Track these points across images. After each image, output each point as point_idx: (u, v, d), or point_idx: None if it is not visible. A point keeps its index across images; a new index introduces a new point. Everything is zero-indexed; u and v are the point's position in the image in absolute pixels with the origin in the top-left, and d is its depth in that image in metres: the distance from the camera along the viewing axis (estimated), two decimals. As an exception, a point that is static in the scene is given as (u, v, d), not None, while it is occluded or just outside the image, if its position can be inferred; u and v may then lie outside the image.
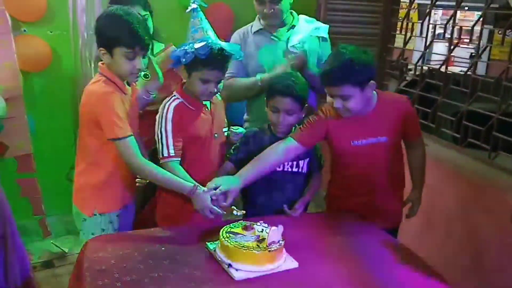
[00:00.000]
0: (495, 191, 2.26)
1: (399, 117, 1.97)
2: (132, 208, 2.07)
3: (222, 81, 1.95)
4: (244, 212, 1.88)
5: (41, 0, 2.93)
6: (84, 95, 1.83)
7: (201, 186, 1.81)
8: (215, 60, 1.84)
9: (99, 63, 1.85)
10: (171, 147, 1.91)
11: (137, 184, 2.09)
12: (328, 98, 1.91)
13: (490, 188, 2.29)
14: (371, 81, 1.86)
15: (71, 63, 3.12)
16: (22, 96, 2.82)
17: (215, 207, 1.78)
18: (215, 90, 1.93)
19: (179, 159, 1.93)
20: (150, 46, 1.82)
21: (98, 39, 1.81)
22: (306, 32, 2.38)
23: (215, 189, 1.80)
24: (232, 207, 1.85)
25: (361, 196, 2.04)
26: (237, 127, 2.19)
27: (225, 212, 1.81)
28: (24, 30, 2.99)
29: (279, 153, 1.95)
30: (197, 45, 1.82)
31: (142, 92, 2.22)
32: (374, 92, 1.95)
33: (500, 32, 2.73)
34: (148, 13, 2.28)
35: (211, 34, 1.89)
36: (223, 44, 1.88)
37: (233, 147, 2.09)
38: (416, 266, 1.67)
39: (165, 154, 1.90)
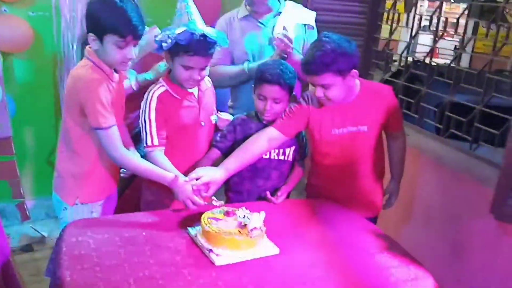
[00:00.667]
0: (475, 181, 2.28)
1: (381, 107, 1.98)
2: (115, 197, 2.04)
3: (207, 68, 1.91)
4: (223, 202, 1.86)
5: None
6: (69, 79, 1.77)
7: (182, 176, 1.80)
8: (196, 46, 1.80)
9: (87, 47, 1.77)
10: (154, 136, 1.88)
11: (121, 175, 2.06)
12: (311, 87, 1.91)
13: (470, 179, 2.32)
14: (353, 70, 1.85)
15: (53, 45, 3.06)
16: (1, 78, 2.76)
17: (196, 198, 1.76)
18: (199, 78, 1.88)
19: (163, 148, 1.91)
20: (143, 29, 1.75)
21: (88, 24, 1.73)
22: (292, 19, 2.36)
23: (197, 179, 1.78)
24: (212, 197, 1.83)
25: (341, 185, 2.05)
26: (224, 113, 2.17)
27: (206, 203, 1.80)
28: (5, 10, 2.91)
29: (261, 144, 1.94)
30: (178, 31, 1.78)
31: (134, 84, 2.19)
32: (357, 80, 1.94)
33: (484, 26, 2.74)
34: None
35: (197, 18, 1.85)
36: (206, 30, 1.83)
37: (219, 134, 2.07)
38: (396, 253, 1.68)
39: (149, 143, 1.88)
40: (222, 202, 1.85)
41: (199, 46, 1.81)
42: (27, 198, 3.11)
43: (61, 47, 3.03)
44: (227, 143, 2.04)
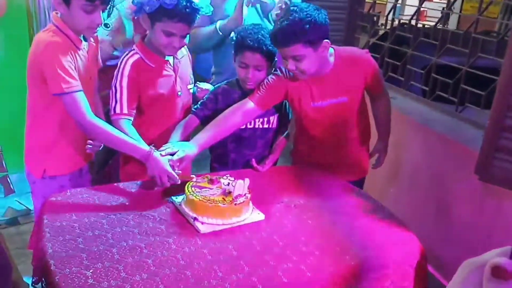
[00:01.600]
0: (461, 143, 2.28)
1: (359, 74, 1.93)
2: (87, 173, 1.97)
3: (188, 35, 1.84)
4: (194, 177, 1.76)
5: None
6: (32, 44, 1.69)
7: (156, 150, 1.71)
8: (182, 12, 1.72)
9: (53, 12, 1.70)
10: (124, 104, 1.81)
11: (87, 150, 1.89)
12: (284, 63, 1.84)
13: (456, 141, 2.32)
14: (325, 41, 1.78)
15: (28, 11, 2.94)
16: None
17: (173, 173, 1.68)
18: (179, 45, 1.81)
19: (131, 118, 1.83)
20: None
21: None
22: None
23: (172, 154, 1.71)
24: (192, 175, 1.75)
25: (326, 151, 2.03)
26: (203, 83, 2.12)
27: (179, 181, 1.70)
28: (-25, -24, 2.79)
29: (237, 117, 1.89)
30: None
31: (106, 46, 2.11)
32: (332, 50, 1.88)
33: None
34: None
35: None
36: None
37: (199, 102, 2.01)
38: (381, 216, 1.69)
39: (118, 111, 1.81)
40: (193, 177, 1.76)
41: (185, 12, 1.73)
42: (11, 171, 3.05)
43: (36, 13, 2.92)
44: (206, 111, 1.97)
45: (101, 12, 1.66)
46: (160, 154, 1.70)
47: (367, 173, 2.18)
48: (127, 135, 1.75)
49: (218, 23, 2.21)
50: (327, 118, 1.96)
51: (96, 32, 1.74)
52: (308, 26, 1.71)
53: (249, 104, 1.90)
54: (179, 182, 1.69)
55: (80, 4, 1.61)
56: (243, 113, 1.90)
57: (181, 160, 1.73)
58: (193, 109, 2.00)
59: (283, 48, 1.78)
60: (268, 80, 1.92)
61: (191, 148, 1.79)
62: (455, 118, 2.47)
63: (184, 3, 1.71)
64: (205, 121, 1.96)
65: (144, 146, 1.72)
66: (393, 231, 1.61)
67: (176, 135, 1.88)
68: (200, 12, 1.80)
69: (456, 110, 2.48)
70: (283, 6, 2.09)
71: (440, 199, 2.40)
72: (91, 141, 1.86)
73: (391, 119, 2.14)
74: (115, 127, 1.76)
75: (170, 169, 1.68)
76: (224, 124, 1.88)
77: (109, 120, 1.82)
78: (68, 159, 1.84)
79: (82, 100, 1.66)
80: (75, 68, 1.66)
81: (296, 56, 1.77)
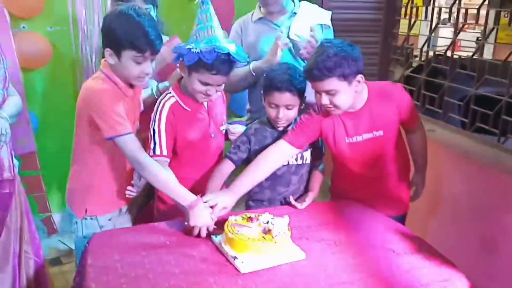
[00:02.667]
0: (504, 175, 2.21)
1: (393, 107, 1.90)
2: (126, 212, 2.00)
3: (223, 84, 1.86)
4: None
5: (39, -5, 2.90)
6: (81, 91, 1.76)
7: (204, 203, 1.70)
8: (220, 65, 1.75)
9: (102, 60, 1.76)
10: (164, 146, 1.84)
11: (126, 195, 1.94)
12: (316, 96, 1.83)
13: (499, 172, 2.25)
14: (359, 75, 1.78)
15: (72, 59, 3.09)
16: (23, 94, 2.79)
17: (213, 225, 1.68)
18: (214, 94, 1.84)
19: (169, 160, 1.87)
20: (161, 44, 1.72)
21: (105, 39, 1.70)
22: (308, 20, 2.32)
23: (212, 207, 1.72)
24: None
25: (365, 186, 2.00)
26: (235, 125, 2.14)
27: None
28: (24, 27, 2.96)
29: (273, 160, 1.90)
30: (203, 48, 1.71)
31: (156, 91, 2.18)
32: (365, 85, 1.88)
33: (506, 15, 2.67)
34: (150, 6, 2.19)
35: (219, 33, 1.78)
36: (230, 47, 1.76)
37: (232, 146, 2.02)
38: (426, 253, 1.63)
39: (157, 153, 1.83)
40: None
41: (222, 66, 1.76)
42: (55, 211, 3.14)
43: (79, 60, 3.06)
44: (241, 154, 1.97)
45: (150, 62, 1.71)
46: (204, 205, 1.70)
47: (408, 208, 2.13)
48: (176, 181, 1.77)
49: (252, 64, 2.24)
50: (363, 154, 1.94)
51: (144, 81, 1.78)
52: (342, 60, 1.73)
53: (284, 145, 1.90)
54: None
55: (131, 55, 1.66)
56: (278, 155, 1.90)
57: (216, 209, 1.73)
58: (227, 153, 2.00)
59: (317, 83, 1.78)
60: (302, 119, 1.93)
61: (228, 199, 1.78)
62: (496, 149, 2.41)
63: (223, 57, 1.73)
64: (240, 164, 1.98)
65: (192, 195, 1.72)
66: (439, 268, 1.55)
67: (214, 183, 1.88)
68: (237, 65, 1.83)
69: (498, 141, 2.42)
70: (312, 43, 2.11)
71: (484, 233, 2.32)
72: (130, 187, 1.91)
73: (427, 152, 2.10)
74: None
75: (210, 222, 1.68)
76: (261, 169, 1.89)
77: None
78: (108, 200, 1.89)
79: (133, 141, 1.70)
80: (124, 109, 1.72)
81: (330, 91, 1.77)
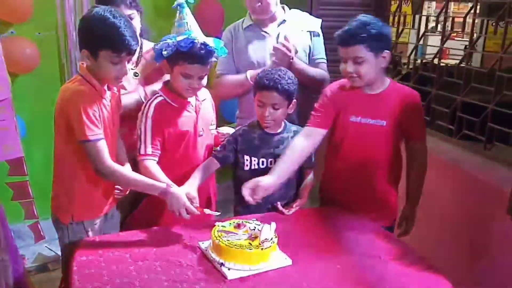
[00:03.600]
0: (491, 182, 2.23)
1: (404, 107, 1.95)
2: (115, 216, 2.00)
3: (206, 77, 1.91)
4: (219, 213, 1.83)
5: (27, 0, 2.88)
6: (59, 94, 1.75)
7: (175, 185, 1.77)
8: (197, 54, 1.81)
9: (79, 63, 1.79)
10: (148, 145, 1.89)
11: (116, 196, 1.97)
12: (341, 65, 1.92)
13: (486, 179, 2.27)
14: (386, 51, 1.87)
15: (60, 64, 3.08)
16: (10, 99, 2.77)
17: (191, 206, 1.73)
18: (198, 86, 1.90)
19: (156, 158, 1.91)
20: (139, 47, 1.75)
21: (81, 40, 1.72)
22: (297, 27, 2.35)
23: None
24: (205, 209, 1.79)
25: (354, 188, 2.01)
26: (224, 127, 2.16)
27: (199, 212, 1.75)
28: (12, 32, 2.95)
29: (304, 141, 1.96)
30: (179, 38, 1.80)
31: (144, 96, 2.18)
32: (388, 79, 1.98)
33: (493, 23, 2.70)
34: (134, 11, 2.20)
35: (195, 29, 1.87)
36: (206, 38, 1.85)
37: (220, 145, 2.07)
38: (412, 260, 1.64)
39: (142, 152, 1.89)
40: (217, 213, 1.83)
41: (199, 55, 1.82)
42: (42, 217, 3.10)
43: (67, 65, 3.05)
44: (225, 153, 2.02)
45: (126, 63, 1.73)
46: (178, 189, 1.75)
47: (396, 218, 2.13)
48: (148, 174, 1.82)
49: (249, 73, 2.26)
50: (359, 139, 1.97)
51: (121, 81, 1.81)
52: (373, 31, 1.83)
53: (309, 129, 1.99)
54: (198, 213, 1.74)
55: (108, 56, 1.67)
56: (306, 136, 1.97)
57: (259, 189, 1.80)
58: (213, 152, 2.05)
59: (346, 48, 1.87)
60: (316, 105, 2.03)
61: (271, 180, 1.85)
62: (483, 157, 2.43)
63: (199, 46, 1.81)
64: (224, 163, 2.01)
65: (161, 184, 1.76)
66: (425, 275, 1.56)
67: (195, 177, 1.91)
68: (214, 54, 1.88)
69: (485, 148, 2.44)
70: (282, 50, 2.18)
71: (471, 241, 2.33)
72: (118, 187, 1.92)
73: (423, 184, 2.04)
74: (141, 167, 1.86)
75: (188, 203, 1.73)
76: (296, 152, 1.94)
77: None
78: (94, 205, 1.87)
79: (102, 147, 1.71)
80: (99, 116, 1.72)
81: (356, 58, 1.85)
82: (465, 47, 2.92)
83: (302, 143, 1.96)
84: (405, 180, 2.08)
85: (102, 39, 1.65)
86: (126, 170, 1.80)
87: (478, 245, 2.29)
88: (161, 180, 1.81)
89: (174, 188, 1.75)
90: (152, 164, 1.89)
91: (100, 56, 1.68)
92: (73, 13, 2.96)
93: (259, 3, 2.24)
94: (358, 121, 1.96)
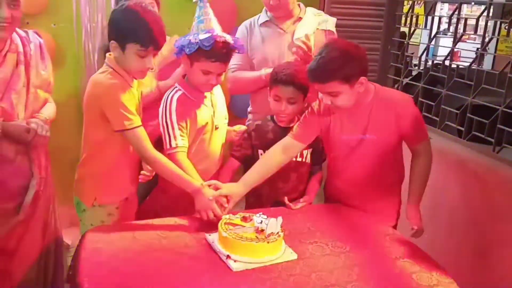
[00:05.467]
0: (500, 184, 2.23)
1: (395, 116, 1.88)
2: (134, 201, 2.06)
3: (224, 73, 1.94)
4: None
5: (43, -8, 2.92)
6: (89, 85, 1.81)
7: (208, 188, 1.81)
8: (218, 52, 1.83)
9: (107, 54, 1.82)
10: (178, 137, 1.90)
11: (140, 179, 2.07)
12: (320, 94, 1.88)
13: (494, 181, 2.26)
14: (362, 77, 1.79)
15: (74, 56, 3.11)
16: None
17: (217, 209, 1.77)
18: (216, 82, 1.92)
19: (186, 150, 1.92)
20: (164, 40, 1.79)
21: (111, 31, 1.78)
22: (312, 25, 2.35)
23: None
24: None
25: (353, 193, 2.02)
26: (238, 125, 2.17)
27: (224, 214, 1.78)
28: (27, 23, 2.98)
29: (280, 153, 1.96)
30: (202, 36, 1.81)
31: (155, 88, 2.22)
32: (372, 87, 1.90)
33: (506, 26, 2.69)
34: (153, 1, 2.25)
35: (216, 26, 1.88)
36: (227, 37, 1.86)
37: (236, 144, 2.10)
38: (417, 258, 1.65)
39: (173, 145, 1.90)
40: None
41: (221, 53, 1.84)
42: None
43: (82, 57, 3.08)
44: (243, 151, 2.07)
45: (152, 57, 1.77)
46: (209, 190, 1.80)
47: (397, 221, 2.12)
48: (182, 170, 1.85)
49: (264, 71, 2.27)
50: (353, 155, 1.96)
51: (145, 75, 1.85)
52: (345, 63, 1.74)
53: (289, 140, 1.96)
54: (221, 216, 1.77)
55: (135, 49, 1.72)
56: (284, 149, 1.95)
57: (227, 198, 1.82)
58: (231, 152, 2.08)
59: (319, 84, 1.82)
60: (304, 115, 1.99)
61: (235, 187, 1.87)
62: (492, 158, 2.43)
63: (221, 44, 1.82)
64: (244, 161, 2.04)
65: (196, 182, 1.82)
66: (430, 273, 1.56)
67: (221, 181, 1.94)
68: (235, 52, 1.91)
69: (494, 150, 2.44)
70: (303, 49, 2.16)
71: (479, 242, 2.33)
72: (145, 171, 2.03)
73: (426, 184, 1.99)
74: (172, 161, 1.86)
75: (215, 206, 1.77)
76: (270, 162, 1.96)
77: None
78: (118, 189, 1.93)
79: (143, 134, 1.79)
80: (133, 102, 1.79)
81: (332, 92, 1.80)
82: (477, 50, 2.91)
83: (278, 157, 1.95)
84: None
85: (130, 33, 1.71)
86: (166, 160, 1.83)
87: (486, 246, 2.29)
88: (191, 175, 1.85)
89: (205, 190, 1.79)
90: (184, 158, 1.90)
91: (127, 49, 1.73)
92: (88, 5, 2.98)
93: (277, 1, 2.24)
94: (349, 139, 1.94)
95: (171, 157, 1.88)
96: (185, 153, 1.91)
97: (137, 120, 1.78)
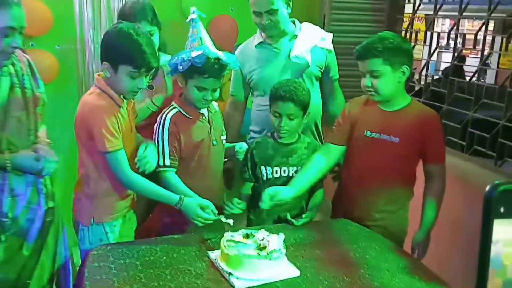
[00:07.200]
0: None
1: (419, 125, 1.92)
2: (132, 218, 2.06)
3: (219, 89, 1.97)
4: (232, 221, 1.84)
5: (47, 14, 2.97)
6: (78, 106, 1.83)
7: (186, 198, 1.82)
8: (211, 68, 1.87)
9: (96, 75, 1.87)
10: (167, 157, 1.93)
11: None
12: (361, 80, 1.93)
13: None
14: (405, 66, 1.86)
15: (78, 77, 3.15)
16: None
17: (204, 214, 1.79)
18: (211, 98, 1.95)
19: (175, 169, 1.95)
20: (157, 62, 1.83)
21: (103, 53, 1.81)
22: (310, 42, 2.36)
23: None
24: (221, 217, 1.83)
25: (366, 201, 2.02)
26: (240, 143, 2.19)
27: (212, 218, 1.81)
28: (32, 45, 3.03)
29: (322, 161, 2.02)
30: (194, 54, 1.85)
31: (148, 103, 2.25)
32: (409, 97, 1.97)
33: (509, 40, 2.72)
34: (155, 27, 2.26)
35: (208, 43, 1.92)
36: (219, 53, 1.90)
37: (242, 165, 2.13)
38: (421, 274, 1.64)
39: (161, 163, 1.93)
40: (231, 221, 1.84)
41: (213, 69, 1.88)
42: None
43: (85, 77, 3.12)
44: (251, 171, 2.10)
45: (144, 77, 1.80)
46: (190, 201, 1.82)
47: (406, 234, 2.11)
48: (169, 185, 1.88)
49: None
50: (373, 153, 1.97)
51: (136, 94, 1.89)
52: (390, 46, 1.83)
53: (327, 145, 2.08)
54: (212, 219, 1.81)
55: (127, 70, 1.76)
56: (325, 155, 2.04)
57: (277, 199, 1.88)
58: (242, 175, 2.14)
59: (362, 61, 1.89)
60: (337, 120, 2.10)
61: (288, 191, 1.91)
62: (494, 172, 2.43)
63: (212, 61, 1.86)
64: (255, 178, 2.10)
65: (175, 196, 1.83)
66: (433, 289, 1.56)
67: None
68: (228, 68, 1.95)
69: (495, 164, 2.44)
70: None
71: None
72: None
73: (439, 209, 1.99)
74: (161, 178, 1.90)
75: (201, 212, 1.78)
76: (314, 168, 2.01)
77: None
78: (115, 207, 1.94)
79: (121, 157, 1.80)
80: (118, 127, 1.80)
81: (373, 72, 1.86)
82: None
83: (321, 162, 2.02)
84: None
85: (123, 54, 1.74)
86: (143, 180, 1.85)
87: (489, 262, 2.27)
88: (181, 190, 1.88)
89: (186, 199, 1.81)
90: (171, 175, 1.93)
91: (120, 70, 1.76)
92: (91, 27, 3.04)
93: (269, 21, 2.24)
94: (371, 136, 1.97)
95: (160, 175, 1.93)
96: (173, 172, 1.94)
97: (118, 143, 1.79)
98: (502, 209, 0.63)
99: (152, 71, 1.84)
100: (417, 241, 1.97)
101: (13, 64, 1.74)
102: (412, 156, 1.98)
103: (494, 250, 0.65)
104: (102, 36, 3.01)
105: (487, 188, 0.75)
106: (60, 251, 1.93)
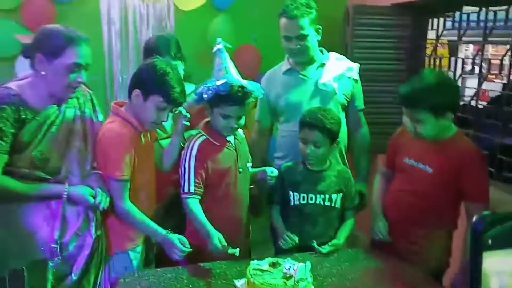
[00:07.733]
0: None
1: (457, 159, 1.86)
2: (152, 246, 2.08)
3: (243, 117, 1.99)
4: (238, 250, 1.82)
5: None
6: (100, 134, 1.85)
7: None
8: (235, 96, 1.90)
9: (112, 104, 1.93)
10: (191, 183, 1.94)
11: None
12: (404, 118, 1.94)
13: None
14: (449, 113, 1.83)
15: (106, 105, 3.23)
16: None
17: (181, 247, 1.80)
18: (236, 126, 1.98)
19: (198, 197, 1.95)
20: (184, 99, 1.91)
21: (137, 81, 1.86)
22: (337, 70, 2.37)
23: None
24: (228, 247, 1.81)
25: (403, 232, 1.98)
26: (271, 168, 2.19)
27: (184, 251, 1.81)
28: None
29: (384, 183, 2.17)
30: (218, 82, 1.89)
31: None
32: (456, 128, 1.94)
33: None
34: (178, 61, 2.29)
35: (233, 72, 1.96)
36: (243, 81, 1.94)
37: (273, 187, 2.14)
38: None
39: (185, 190, 1.94)
40: (237, 250, 1.82)
41: (237, 97, 1.91)
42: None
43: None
44: (280, 194, 2.12)
45: (168, 112, 1.87)
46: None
47: (446, 269, 2.05)
48: (190, 212, 1.92)
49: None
50: (409, 181, 1.98)
51: (157, 127, 1.97)
52: (434, 94, 1.80)
53: (383, 169, 2.22)
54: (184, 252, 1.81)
55: (156, 101, 1.82)
56: (384, 178, 2.19)
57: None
58: (269, 199, 2.16)
59: (406, 109, 1.89)
60: (389, 142, 2.15)
61: (384, 224, 2.04)
62: (526, 199, 2.36)
63: (236, 89, 1.90)
64: (283, 201, 2.10)
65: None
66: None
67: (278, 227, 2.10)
68: (252, 96, 1.98)
69: (526, 191, 2.38)
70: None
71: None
72: None
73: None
74: (184, 205, 1.93)
75: (179, 245, 1.80)
76: (380, 191, 2.17)
77: None
78: (132, 233, 1.95)
79: (124, 188, 1.85)
80: (133, 158, 1.85)
81: (416, 119, 1.86)
82: (503, 88, 2.89)
83: (383, 185, 2.18)
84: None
85: (156, 86, 1.81)
86: (135, 212, 1.88)
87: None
88: (200, 219, 1.89)
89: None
90: (194, 203, 1.94)
91: (150, 99, 1.83)
92: (119, 59, 3.14)
93: (298, 46, 2.27)
94: (409, 163, 1.98)
95: (183, 201, 1.94)
96: (197, 200, 1.95)
97: (127, 173, 1.84)
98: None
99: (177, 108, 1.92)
100: (453, 284, 1.91)
101: (77, 98, 1.85)
102: (446, 188, 1.92)
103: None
104: (130, 68, 3.15)
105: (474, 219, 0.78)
106: (102, 280, 1.93)
